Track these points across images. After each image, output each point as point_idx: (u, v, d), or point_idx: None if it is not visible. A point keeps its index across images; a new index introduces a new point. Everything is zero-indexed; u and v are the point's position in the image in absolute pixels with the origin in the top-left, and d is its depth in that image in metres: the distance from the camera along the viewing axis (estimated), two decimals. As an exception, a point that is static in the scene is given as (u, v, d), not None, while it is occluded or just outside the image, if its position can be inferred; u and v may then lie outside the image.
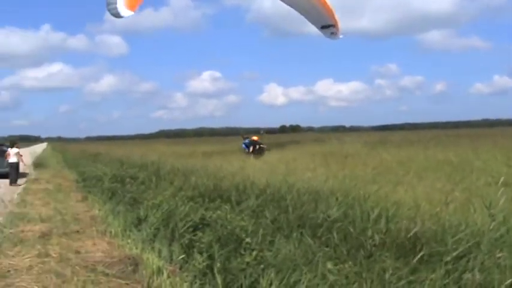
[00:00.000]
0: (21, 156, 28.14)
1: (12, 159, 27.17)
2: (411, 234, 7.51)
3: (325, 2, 11.14)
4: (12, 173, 26.81)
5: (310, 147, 38.99)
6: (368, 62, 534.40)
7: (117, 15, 9.31)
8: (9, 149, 28.25)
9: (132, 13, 9.37)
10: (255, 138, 37.40)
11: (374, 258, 7.15)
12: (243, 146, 37.74)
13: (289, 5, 12.36)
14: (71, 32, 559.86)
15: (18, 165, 27.74)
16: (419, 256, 6.92)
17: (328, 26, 11.68)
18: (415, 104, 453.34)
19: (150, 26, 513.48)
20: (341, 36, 11.84)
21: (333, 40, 11.96)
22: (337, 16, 11.44)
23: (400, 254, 7.23)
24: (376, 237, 7.70)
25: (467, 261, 6.68)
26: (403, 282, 6.39)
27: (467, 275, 6.28)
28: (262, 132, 38.32)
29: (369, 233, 7.89)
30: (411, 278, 6.47)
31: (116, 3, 9.17)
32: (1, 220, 13.20)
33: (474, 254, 6.81)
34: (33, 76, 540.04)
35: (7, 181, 27.01)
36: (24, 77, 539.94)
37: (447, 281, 6.32)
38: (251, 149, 36.01)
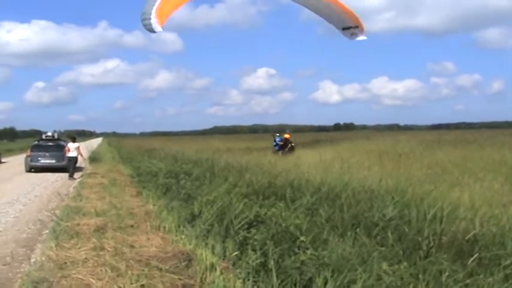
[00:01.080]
0: (80, 151, 28.78)
1: (72, 153, 27.84)
2: (470, 236, 7.36)
3: (343, 5, 11.18)
4: (70, 167, 27.45)
5: (364, 145, 38.71)
6: (424, 60, 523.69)
7: (152, 30, 9.37)
8: (69, 144, 28.93)
9: (162, 30, 9.46)
10: (287, 136, 36.97)
11: (430, 260, 7.03)
12: (274, 144, 37.13)
13: (307, 7, 12.31)
14: (127, 29, 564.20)
15: (77, 159, 28.41)
16: (473, 258, 6.77)
17: (348, 28, 11.71)
18: (472, 103, 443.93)
19: (205, 22, 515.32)
20: (363, 37, 11.82)
21: (359, 40, 11.95)
22: (359, 16, 11.45)
23: (457, 256, 7.08)
24: (432, 238, 7.58)
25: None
26: (460, 285, 6.26)
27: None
28: (288, 131, 38.27)
29: (426, 233, 7.77)
30: (468, 281, 6.33)
31: (150, 19, 9.20)
32: (58, 213, 13.45)
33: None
34: (90, 72, 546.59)
35: (64, 175, 27.64)
36: (81, 73, 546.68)
37: (506, 285, 6.18)
38: (283, 147, 35.57)
